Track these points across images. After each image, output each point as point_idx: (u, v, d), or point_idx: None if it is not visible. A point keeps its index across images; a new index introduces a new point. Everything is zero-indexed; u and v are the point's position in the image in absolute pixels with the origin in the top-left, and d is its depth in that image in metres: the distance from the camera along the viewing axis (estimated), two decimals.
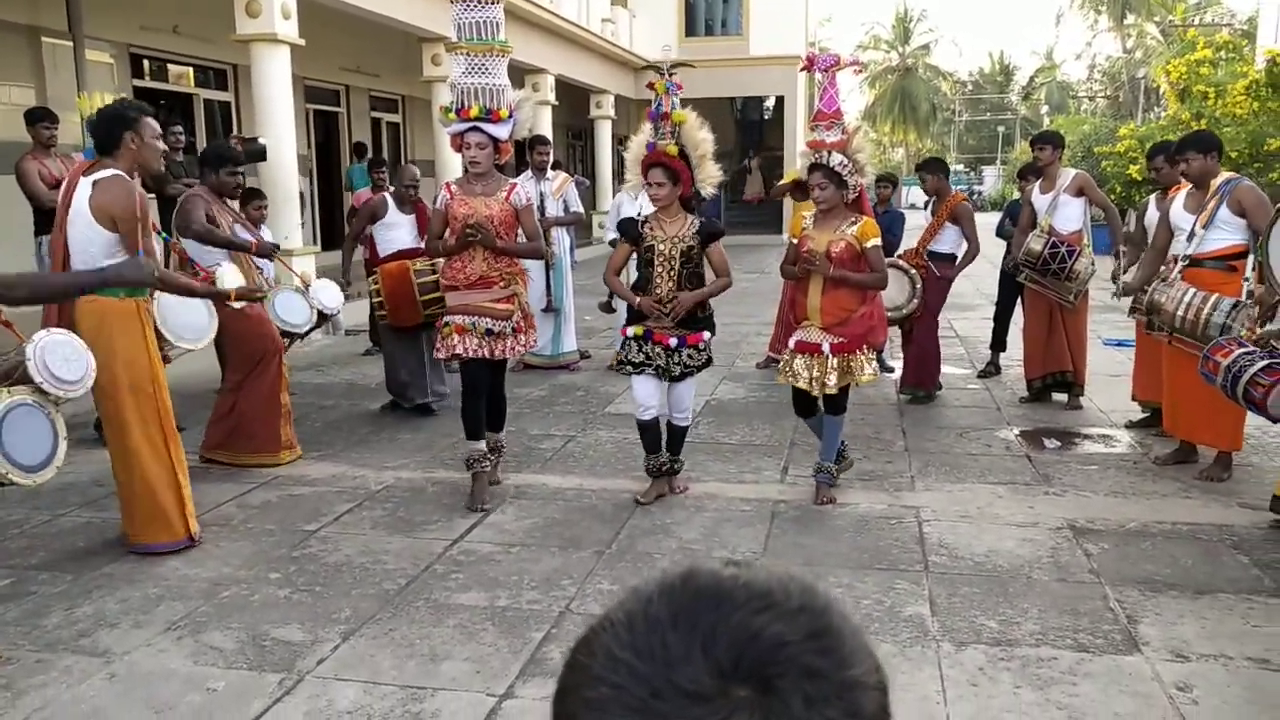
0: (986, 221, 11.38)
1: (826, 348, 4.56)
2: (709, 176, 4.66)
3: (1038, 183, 6.81)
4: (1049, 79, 55.82)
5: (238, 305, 5.18)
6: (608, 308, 8.34)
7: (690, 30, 23.80)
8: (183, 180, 7.18)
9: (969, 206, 7.05)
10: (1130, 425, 6.17)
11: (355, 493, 4.97)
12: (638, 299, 4.64)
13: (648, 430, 4.79)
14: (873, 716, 0.54)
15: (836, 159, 4.55)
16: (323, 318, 5.97)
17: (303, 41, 9.40)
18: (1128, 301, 5.87)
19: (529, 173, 7.72)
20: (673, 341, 4.63)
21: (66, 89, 9.30)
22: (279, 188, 9.14)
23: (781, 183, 7.93)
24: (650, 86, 4.76)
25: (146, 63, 11.46)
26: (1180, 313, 4.87)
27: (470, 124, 4.71)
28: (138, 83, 11.09)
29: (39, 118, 6.76)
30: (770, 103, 26.99)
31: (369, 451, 5.74)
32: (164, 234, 5.09)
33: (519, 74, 14.74)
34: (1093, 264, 6.44)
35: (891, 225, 7.55)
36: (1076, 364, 6.68)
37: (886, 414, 6.62)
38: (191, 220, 5.33)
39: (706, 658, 0.52)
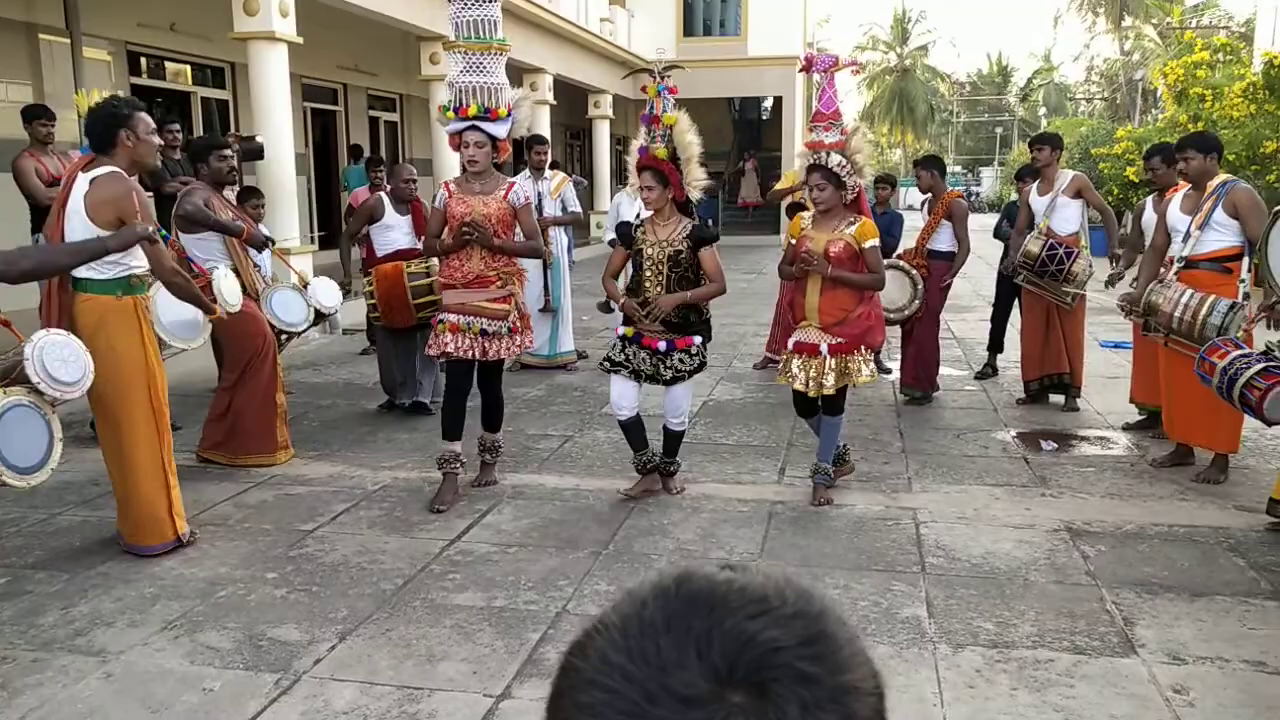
0: (984, 223, 11.41)
1: (824, 348, 4.56)
2: (695, 179, 4.65)
3: (1035, 184, 6.82)
4: (1047, 80, 55.87)
5: (234, 304, 5.19)
6: (606, 308, 8.34)
7: (688, 30, 23.81)
8: (180, 178, 7.16)
9: (963, 204, 7.06)
10: (1127, 427, 6.17)
11: (352, 492, 4.97)
12: (621, 300, 4.67)
13: (627, 429, 4.83)
14: None
15: (835, 159, 4.56)
16: (320, 316, 5.96)
17: (300, 40, 9.39)
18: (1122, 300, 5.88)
19: (527, 172, 7.71)
20: (661, 345, 4.64)
21: (64, 86, 9.29)
22: (277, 186, 9.13)
23: (778, 186, 7.92)
24: (644, 90, 4.76)
25: (144, 60, 11.44)
26: (1177, 313, 4.88)
27: (468, 122, 4.71)
28: (135, 80, 11.07)
29: (36, 115, 6.74)
30: (768, 103, 27.01)
31: (366, 451, 5.73)
32: (163, 232, 5.08)
33: (517, 73, 14.73)
34: (1090, 266, 6.45)
35: (890, 226, 7.56)
36: (1074, 366, 6.69)
37: (884, 415, 6.62)
38: (185, 201, 5.31)
39: (701, 662, 0.52)
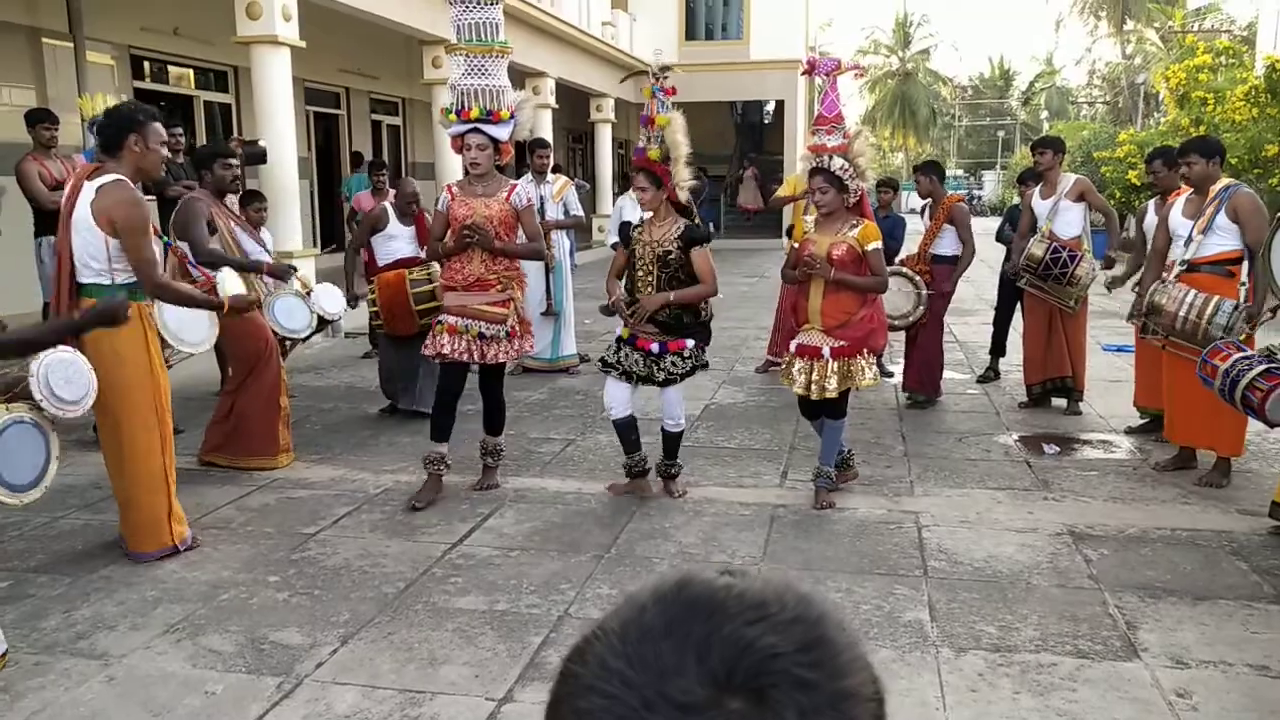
0: (986, 226, 11.41)
1: (827, 351, 4.56)
2: (682, 180, 4.66)
3: (1038, 188, 6.82)
4: (1049, 84, 55.89)
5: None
6: (608, 311, 8.33)
7: (690, 34, 23.83)
8: (182, 182, 7.17)
9: (964, 208, 7.06)
10: (1130, 431, 6.17)
11: (354, 496, 4.97)
12: (612, 298, 4.70)
13: (619, 429, 4.87)
14: None
15: (837, 163, 4.56)
16: (323, 322, 5.96)
17: (303, 44, 9.41)
18: (1126, 306, 5.88)
19: (529, 176, 7.72)
20: (654, 347, 4.66)
21: (67, 90, 9.31)
22: (279, 190, 9.14)
23: (780, 193, 7.92)
24: (644, 92, 4.78)
25: (147, 64, 11.47)
26: (1181, 313, 4.87)
27: (470, 125, 4.72)
28: (138, 84, 11.10)
29: (39, 119, 6.76)
30: (770, 107, 27.02)
31: (368, 454, 5.73)
32: (164, 238, 5.08)
33: (519, 77, 14.75)
34: (1094, 269, 6.45)
35: (893, 229, 7.57)
36: (1076, 369, 6.69)
37: (886, 419, 6.61)
38: (197, 242, 5.29)
39: (700, 668, 0.51)
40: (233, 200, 5.90)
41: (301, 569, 4.02)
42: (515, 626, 3.48)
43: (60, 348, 3.73)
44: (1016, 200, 8.83)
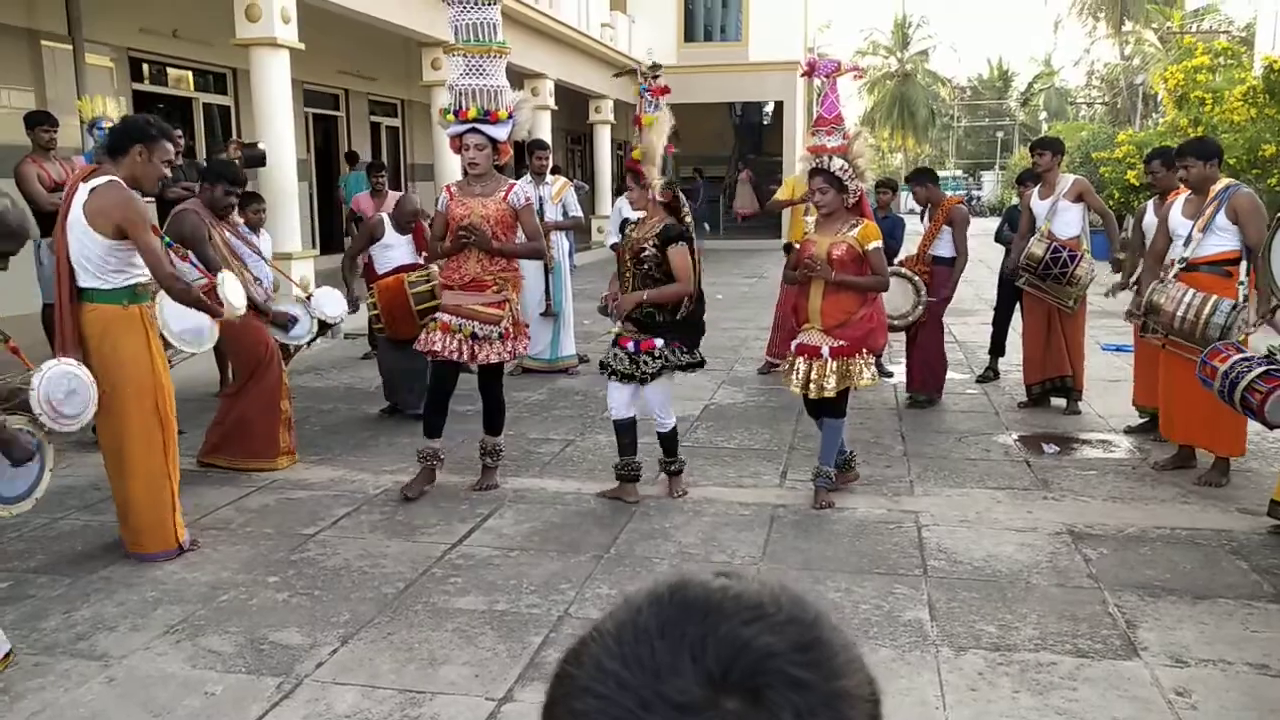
0: (985, 227, 11.42)
1: (826, 351, 4.57)
2: (651, 180, 4.68)
3: (1036, 188, 6.82)
4: (1047, 85, 55.91)
5: (239, 307, 5.19)
6: (604, 311, 8.34)
7: (690, 36, 23.84)
8: (181, 184, 7.17)
9: (963, 210, 7.07)
10: (1129, 430, 6.17)
11: (353, 496, 4.97)
12: (603, 298, 4.75)
13: (615, 430, 4.89)
14: None
15: (837, 164, 4.57)
16: (324, 327, 5.95)
17: (302, 46, 9.41)
18: (1124, 306, 5.88)
19: (528, 177, 7.72)
20: (630, 345, 4.69)
21: (66, 92, 9.31)
22: (278, 192, 9.14)
23: (778, 196, 7.93)
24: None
25: (146, 66, 11.47)
26: (1180, 313, 4.87)
27: (468, 125, 4.72)
28: (137, 86, 11.10)
29: (38, 121, 6.76)
30: (769, 108, 27.04)
31: (367, 455, 5.73)
32: (165, 239, 5.08)
33: (518, 78, 14.75)
34: (1093, 269, 6.46)
35: (893, 230, 7.58)
36: (1075, 369, 6.69)
37: (885, 419, 6.62)
38: (200, 254, 5.27)
39: (695, 669, 0.51)
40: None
41: (301, 569, 4.02)
42: (515, 626, 3.48)
43: (63, 359, 3.74)
44: (1015, 201, 8.84)
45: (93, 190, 3.85)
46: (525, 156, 8.03)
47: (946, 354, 7.12)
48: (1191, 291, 4.88)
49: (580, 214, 8.32)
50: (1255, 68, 15.23)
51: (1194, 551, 4.18)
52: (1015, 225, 7.27)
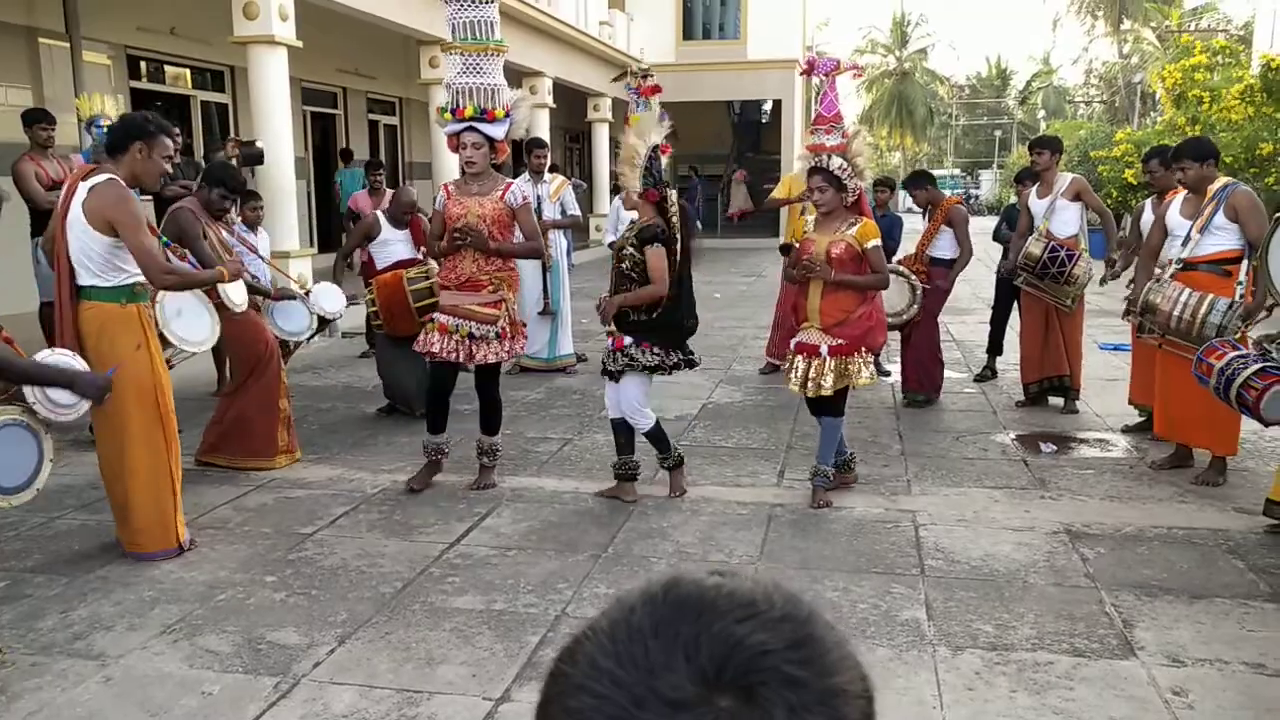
0: (983, 226, 11.43)
1: (824, 350, 4.57)
2: (623, 180, 4.68)
3: (1035, 187, 6.83)
4: (1046, 84, 55.90)
5: (240, 303, 5.19)
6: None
7: (688, 34, 23.83)
8: (179, 182, 7.17)
9: (963, 210, 7.08)
10: (1126, 430, 6.17)
11: (351, 496, 4.97)
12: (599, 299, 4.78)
13: (613, 429, 4.90)
14: None
15: (836, 163, 4.57)
16: (324, 323, 5.94)
17: (300, 43, 9.40)
18: (1121, 305, 5.89)
19: (526, 176, 7.71)
20: (610, 343, 4.73)
21: (63, 90, 9.30)
22: (276, 190, 9.13)
23: (774, 194, 7.92)
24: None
25: (143, 64, 11.45)
26: (1176, 312, 4.88)
27: (465, 124, 4.72)
28: (135, 84, 11.09)
29: (36, 119, 6.75)
30: (768, 106, 27.03)
31: (365, 454, 5.73)
32: (163, 238, 5.08)
33: (516, 76, 14.75)
34: (1090, 268, 6.47)
35: (890, 229, 7.57)
36: (1073, 368, 6.69)
37: (883, 418, 6.62)
38: (197, 252, 5.27)
39: (689, 666, 0.52)
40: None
41: (299, 569, 4.01)
42: (512, 626, 3.48)
43: (57, 350, 3.73)
44: (1013, 199, 8.85)
45: (91, 189, 3.85)
46: (524, 155, 8.03)
47: (942, 354, 7.13)
48: (1188, 291, 4.88)
49: (578, 212, 8.32)
50: (1253, 66, 15.24)
51: (1191, 551, 4.19)
52: (1013, 224, 7.27)
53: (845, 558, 4.12)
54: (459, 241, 4.70)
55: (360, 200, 9.05)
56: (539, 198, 7.65)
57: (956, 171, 54.36)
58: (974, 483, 5.17)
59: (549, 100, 16.47)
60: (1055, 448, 5.84)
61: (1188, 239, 5.05)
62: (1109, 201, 14.30)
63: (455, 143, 4.78)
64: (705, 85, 22.18)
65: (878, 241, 4.62)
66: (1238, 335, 4.65)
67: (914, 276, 6.69)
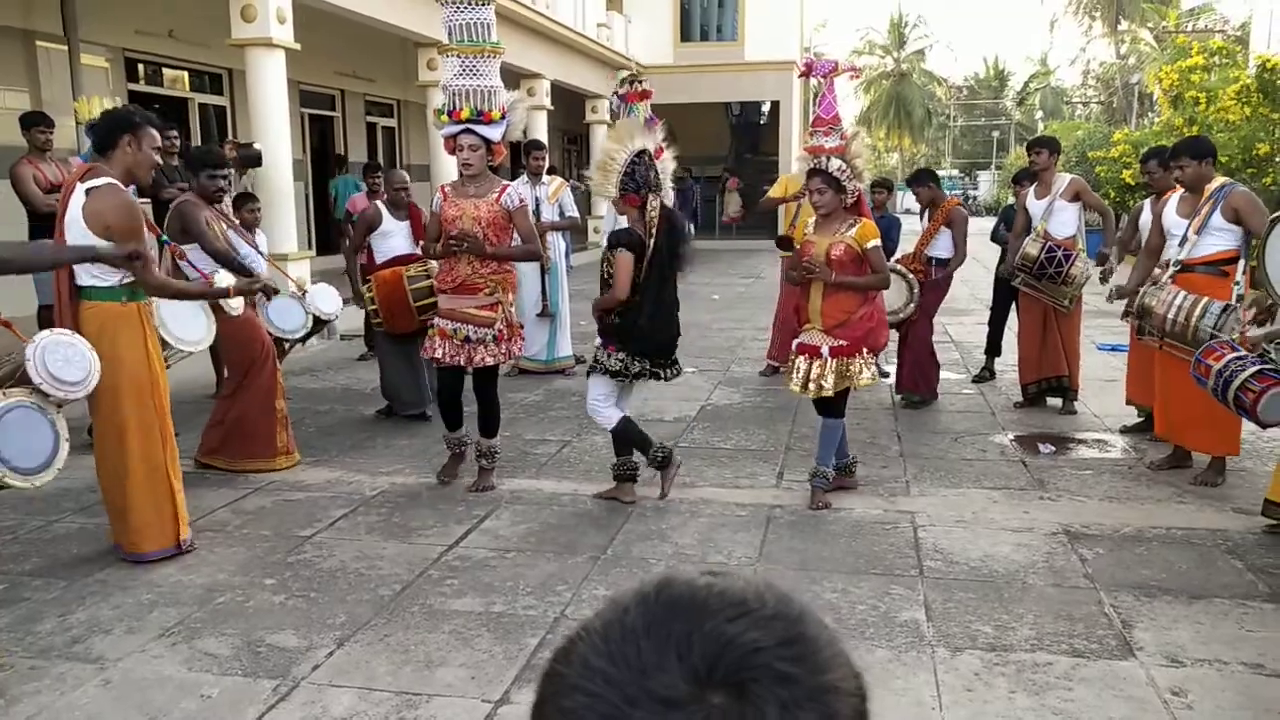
0: (981, 226, 11.44)
1: (825, 351, 4.57)
2: (594, 183, 4.71)
3: (1033, 188, 6.83)
4: (1043, 84, 55.96)
5: (237, 306, 5.18)
6: None
7: (686, 35, 23.83)
8: (176, 185, 7.16)
9: (963, 211, 7.09)
10: (1125, 430, 6.18)
11: (350, 498, 4.96)
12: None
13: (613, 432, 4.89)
14: None
15: (835, 164, 4.57)
16: (319, 323, 5.93)
17: (298, 46, 9.40)
18: (1121, 306, 5.89)
19: (524, 177, 7.72)
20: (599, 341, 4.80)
21: (61, 93, 9.30)
22: (274, 192, 9.13)
23: (770, 194, 7.92)
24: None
25: (141, 67, 11.45)
26: (1170, 315, 4.88)
27: (462, 126, 4.72)
28: (132, 87, 11.08)
29: (34, 122, 6.75)
30: (766, 108, 27.04)
31: (364, 457, 5.73)
32: (163, 237, 5.08)
33: (514, 79, 14.74)
34: (1088, 268, 6.47)
35: (889, 230, 7.57)
36: (1071, 369, 6.70)
37: (881, 419, 6.62)
38: (202, 242, 5.28)
39: (681, 665, 0.52)
40: (227, 201, 5.88)
41: (298, 571, 4.01)
42: (511, 628, 3.48)
43: (57, 330, 3.73)
44: (1011, 200, 8.85)
45: (90, 191, 3.85)
46: (522, 157, 8.03)
47: (937, 354, 7.13)
48: (1182, 294, 4.89)
49: (577, 214, 8.32)
50: (1250, 67, 15.27)
51: (1189, 551, 4.19)
52: (1011, 225, 7.27)
53: (844, 559, 4.13)
54: (454, 247, 4.70)
55: (358, 202, 9.05)
56: (537, 199, 7.65)
57: (955, 172, 54.41)
58: (973, 483, 5.17)
59: (547, 102, 16.47)
60: (1054, 448, 5.85)
61: (1184, 240, 5.05)
62: (1107, 202, 14.28)
63: (452, 145, 4.78)
64: (703, 87, 22.19)
65: (877, 242, 4.63)
66: (1235, 336, 4.65)
67: (911, 275, 6.70)
